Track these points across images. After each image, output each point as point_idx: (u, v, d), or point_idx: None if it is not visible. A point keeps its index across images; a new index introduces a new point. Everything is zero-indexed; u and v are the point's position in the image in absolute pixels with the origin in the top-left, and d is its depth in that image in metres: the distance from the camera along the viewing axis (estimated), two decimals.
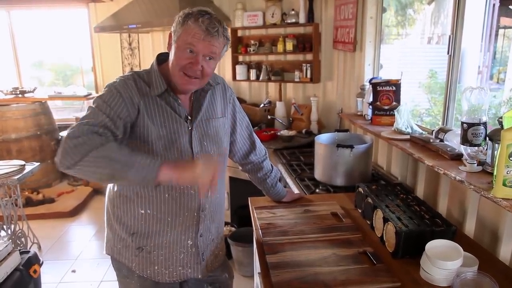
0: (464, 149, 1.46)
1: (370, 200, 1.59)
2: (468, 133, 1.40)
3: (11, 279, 1.97)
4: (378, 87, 2.23)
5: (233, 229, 3.16)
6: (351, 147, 1.98)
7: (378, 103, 2.24)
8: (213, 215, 1.49)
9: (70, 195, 4.44)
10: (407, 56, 2.90)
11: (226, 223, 3.28)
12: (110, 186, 1.43)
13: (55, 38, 5.28)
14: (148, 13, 3.50)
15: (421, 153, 1.69)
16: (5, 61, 5.10)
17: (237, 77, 3.70)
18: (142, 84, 1.30)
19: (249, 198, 1.85)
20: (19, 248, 2.59)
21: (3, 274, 1.94)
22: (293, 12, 3.30)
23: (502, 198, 1.18)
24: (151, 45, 4.53)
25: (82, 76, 5.34)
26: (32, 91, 4.80)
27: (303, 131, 3.26)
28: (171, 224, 1.38)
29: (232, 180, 3.26)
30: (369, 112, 2.36)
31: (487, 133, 1.37)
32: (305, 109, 3.37)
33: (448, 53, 1.87)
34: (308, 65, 3.30)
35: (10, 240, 2.10)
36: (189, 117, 1.36)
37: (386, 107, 2.22)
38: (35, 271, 2.15)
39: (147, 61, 4.57)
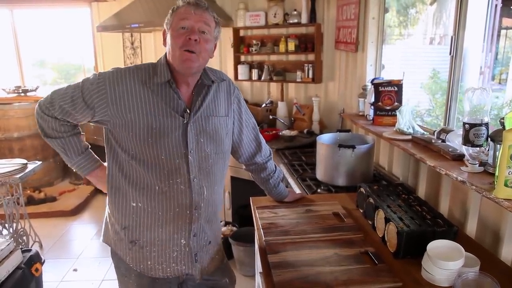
0: (466, 150, 1.46)
1: (371, 200, 1.59)
2: (470, 133, 1.40)
3: (13, 278, 1.98)
4: (380, 87, 2.23)
5: (234, 228, 3.17)
6: (353, 147, 1.98)
7: (380, 103, 2.24)
8: (210, 215, 1.46)
9: (72, 194, 4.45)
10: (408, 57, 2.90)
11: (227, 223, 3.29)
12: (108, 177, 1.43)
13: (57, 37, 5.29)
14: (150, 12, 3.51)
15: (422, 154, 1.69)
16: (7, 60, 5.11)
17: (239, 77, 3.70)
18: (141, 76, 1.32)
19: (250, 198, 1.85)
20: (21, 246, 2.59)
21: (5, 273, 1.94)
22: (295, 12, 3.31)
23: (504, 199, 1.18)
24: (153, 44, 4.54)
25: (84, 75, 5.34)
26: (35, 90, 4.82)
27: (305, 131, 3.26)
28: (162, 219, 1.37)
29: (234, 179, 3.26)
30: (371, 112, 2.36)
31: (489, 133, 1.37)
32: (307, 109, 3.37)
33: (450, 53, 1.87)
34: (310, 65, 3.30)
35: (12, 239, 2.10)
36: (188, 111, 1.34)
37: (388, 108, 2.22)
38: (36, 270, 2.15)
39: (149, 61, 4.43)
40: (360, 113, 2.62)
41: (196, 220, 1.40)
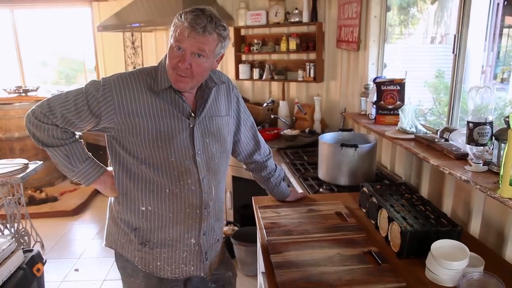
0: (469, 149, 1.45)
1: (374, 200, 1.58)
2: (474, 132, 1.39)
3: (15, 278, 1.97)
4: (382, 86, 2.22)
5: (236, 228, 3.16)
6: (356, 146, 1.97)
7: (382, 102, 2.23)
8: (218, 213, 1.49)
9: (73, 194, 4.45)
10: (410, 56, 2.89)
11: (229, 222, 3.28)
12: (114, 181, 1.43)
13: (58, 37, 5.29)
14: (151, 12, 3.50)
15: (426, 153, 1.68)
16: (8, 60, 5.11)
17: (240, 76, 3.70)
18: (146, 80, 1.30)
19: (252, 198, 1.85)
20: (22, 246, 2.59)
21: (7, 273, 1.94)
22: (296, 11, 3.29)
23: (509, 198, 1.17)
24: (154, 44, 4.53)
25: (85, 75, 5.35)
26: (35, 90, 4.82)
27: (306, 130, 3.25)
28: (172, 220, 1.38)
29: (235, 179, 3.26)
30: (373, 111, 2.35)
31: (493, 132, 1.36)
32: (309, 108, 3.36)
33: (453, 52, 1.85)
34: (312, 64, 3.29)
35: (14, 239, 2.10)
36: (193, 114, 1.35)
37: (390, 107, 2.21)
38: (38, 270, 2.15)
39: (150, 60, 4.57)
40: (362, 112, 2.61)
41: (205, 218, 1.42)
